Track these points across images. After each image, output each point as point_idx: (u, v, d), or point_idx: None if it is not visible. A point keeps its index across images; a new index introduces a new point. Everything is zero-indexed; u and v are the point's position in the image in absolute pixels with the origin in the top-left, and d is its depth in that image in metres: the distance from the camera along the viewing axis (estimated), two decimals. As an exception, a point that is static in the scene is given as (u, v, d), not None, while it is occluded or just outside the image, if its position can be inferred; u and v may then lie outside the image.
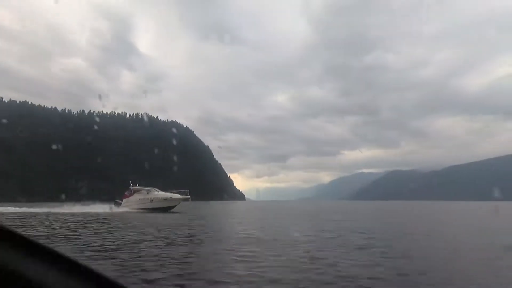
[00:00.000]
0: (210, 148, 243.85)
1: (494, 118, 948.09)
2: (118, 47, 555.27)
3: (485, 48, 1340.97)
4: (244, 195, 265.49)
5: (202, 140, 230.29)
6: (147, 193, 34.27)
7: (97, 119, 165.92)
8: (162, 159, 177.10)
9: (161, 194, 34.39)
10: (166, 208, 33.08)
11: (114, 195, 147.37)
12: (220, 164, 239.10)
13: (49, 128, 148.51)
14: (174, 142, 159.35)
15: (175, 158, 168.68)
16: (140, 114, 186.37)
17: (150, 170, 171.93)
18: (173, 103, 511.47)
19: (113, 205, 35.24)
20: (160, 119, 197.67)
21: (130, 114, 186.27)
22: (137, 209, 32.87)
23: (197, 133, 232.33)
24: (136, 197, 34.32)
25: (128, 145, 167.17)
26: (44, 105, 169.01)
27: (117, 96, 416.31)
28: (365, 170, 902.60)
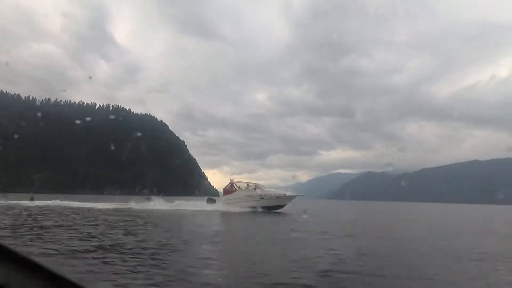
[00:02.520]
0: (186, 143, 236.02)
1: (460, 125, 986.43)
2: (94, 35, 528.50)
3: (453, 59, 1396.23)
4: (218, 192, 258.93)
5: (177, 135, 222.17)
6: (255, 188, 29.70)
7: (64, 108, 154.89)
8: (132, 152, 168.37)
9: (272, 190, 30.03)
10: (276, 207, 28.97)
11: (75, 189, 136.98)
12: (195, 160, 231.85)
13: (8, 115, 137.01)
14: (139, 134, 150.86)
15: (143, 151, 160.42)
16: (110, 105, 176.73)
17: (118, 163, 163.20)
18: (151, 96, 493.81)
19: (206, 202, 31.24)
20: (133, 111, 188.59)
21: (100, 105, 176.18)
22: (243, 207, 28.30)
23: (176, 128, 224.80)
24: (241, 193, 29.85)
25: (96, 137, 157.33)
26: (7, 92, 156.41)
27: (92, 85, 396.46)
28: (341, 171, 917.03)
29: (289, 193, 30.02)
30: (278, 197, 29.22)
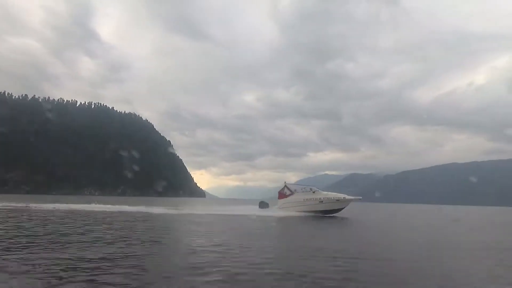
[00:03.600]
0: (173, 143, 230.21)
1: (440, 129, 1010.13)
2: (77, 32, 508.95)
3: (433, 66, 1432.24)
4: (204, 193, 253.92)
5: (163, 135, 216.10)
6: (313, 192, 28.16)
7: (43, 105, 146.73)
8: (113, 152, 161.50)
9: (331, 194, 28.52)
10: (335, 211, 27.59)
11: (52, 189, 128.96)
12: (181, 160, 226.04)
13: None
14: (121, 133, 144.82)
15: (125, 150, 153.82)
16: (92, 103, 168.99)
17: (98, 163, 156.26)
18: (138, 95, 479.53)
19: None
20: (116, 110, 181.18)
21: (81, 103, 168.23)
22: (301, 211, 27.02)
23: (163, 128, 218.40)
24: (299, 197, 28.35)
25: (76, 136, 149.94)
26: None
27: (75, 82, 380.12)
28: (329, 172, 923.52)
29: (348, 196, 28.34)
30: (338, 200, 27.62)
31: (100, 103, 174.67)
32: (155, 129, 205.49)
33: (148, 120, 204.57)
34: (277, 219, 21.47)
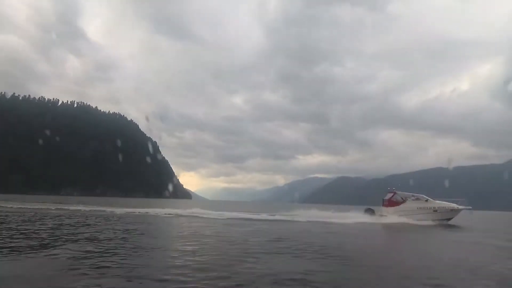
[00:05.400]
0: (159, 143, 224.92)
1: (425, 134, 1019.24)
2: (64, 30, 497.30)
3: (419, 71, 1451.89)
4: (190, 194, 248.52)
5: (148, 135, 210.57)
6: (426, 201, 27.94)
7: (21, 103, 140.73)
8: (95, 152, 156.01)
9: (443, 203, 28.05)
10: (446, 220, 27.24)
11: (27, 189, 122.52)
12: (166, 161, 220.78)
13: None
14: (103, 132, 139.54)
15: (107, 150, 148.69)
16: (75, 102, 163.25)
17: (78, 162, 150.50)
18: (126, 95, 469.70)
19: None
20: (100, 109, 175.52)
21: (63, 101, 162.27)
22: (413, 220, 26.12)
23: (150, 128, 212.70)
24: (412, 205, 27.85)
25: (55, 135, 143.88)
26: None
27: (60, 81, 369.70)
28: (318, 175, 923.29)
29: (461, 206, 27.95)
30: (452, 210, 27.40)
31: (83, 102, 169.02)
32: (140, 129, 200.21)
33: (133, 121, 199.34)
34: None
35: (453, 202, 28.15)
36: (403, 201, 28.26)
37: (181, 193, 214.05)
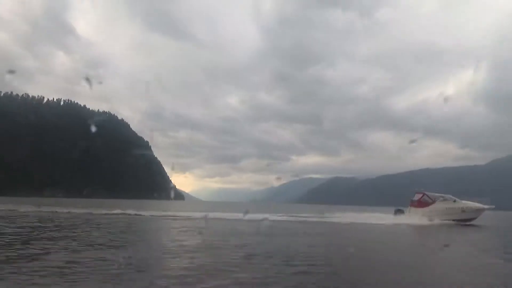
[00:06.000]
0: (151, 143, 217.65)
1: (415, 135, 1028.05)
2: (52, 25, 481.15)
3: (408, 75, 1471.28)
4: (183, 195, 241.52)
5: (140, 134, 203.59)
6: (454, 201, 28.66)
7: (2, 100, 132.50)
8: (82, 151, 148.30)
9: (470, 203, 28.64)
10: (472, 219, 27.93)
11: (8, 190, 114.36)
12: (159, 162, 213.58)
13: None
14: (93, 129, 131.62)
15: (95, 150, 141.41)
16: (62, 99, 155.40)
17: (64, 163, 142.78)
18: (117, 93, 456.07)
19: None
20: (89, 108, 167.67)
21: (49, 99, 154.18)
22: (442, 220, 26.83)
23: (143, 128, 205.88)
24: (441, 205, 28.52)
25: (40, 134, 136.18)
26: None
27: (47, 78, 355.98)
28: (312, 175, 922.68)
29: (486, 206, 28.62)
30: (478, 209, 28.12)
31: (71, 100, 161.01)
32: (131, 128, 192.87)
33: (124, 120, 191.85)
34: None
35: (477, 201, 28.49)
36: (432, 202, 28.51)
37: (174, 194, 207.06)
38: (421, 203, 29.03)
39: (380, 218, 26.54)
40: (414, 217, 27.36)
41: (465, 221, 27.25)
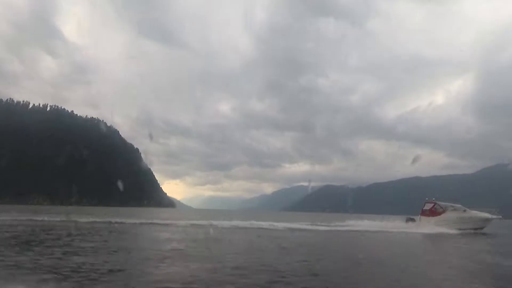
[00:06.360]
0: (141, 150, 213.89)
1: (404, 144, 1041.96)
2: (38, 28, 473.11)
3: (397, 85, 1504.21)
4: (174, 203, 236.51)
5: (130, 142, 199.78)
6: (464, 211, 28.66)
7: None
8: (69, 158, 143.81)
9: (479, 213, 28.65)
10: (480, 229, 27.95)
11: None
12: (149, 169, 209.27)
13: None
14: (79, 138, 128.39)
15: (83, 157, 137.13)
16: (48, 105, 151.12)
17: (50, 170, 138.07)
18: (106, 99, 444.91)
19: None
20: (76, 114, 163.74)
21: (34, 104, 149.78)
22: (451, 229, 26.75)
23: (134, 135, 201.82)
24: (452, 215, 28.64)
25: (24, 140, 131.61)
26: None
27: (34, 82, 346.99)
28: (304, 183, 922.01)
29: (492, 216, 29.06)
30: (486, 219, 28.61)
31: (57, 106, 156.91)
32: (120, 135, 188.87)
33: (113, 126, 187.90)
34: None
35: (486, 211, 29.21)
36: (443, 211, 29.08)
37: (165, 202, 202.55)
38: (433, 212, 29.59)
39: (394, 226, 27.16)
40: (425, 226, 27.70)
41: (474, 230, 27.56)
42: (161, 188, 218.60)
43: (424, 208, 30.26)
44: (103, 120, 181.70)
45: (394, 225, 28.13)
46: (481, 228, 28.24)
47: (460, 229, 27.03)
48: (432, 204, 30.13)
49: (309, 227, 25.71)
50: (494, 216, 28.89)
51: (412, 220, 30.34)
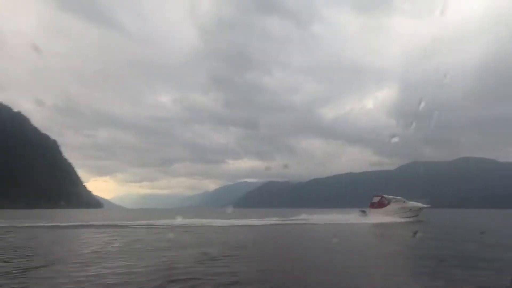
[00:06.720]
0: (60, 142, 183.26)
1: (340, 143, 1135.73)
2: None
3: (335, 88, 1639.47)
4: (102, 203, 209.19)
5: (44, 132, 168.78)
6: (403, 202, 33.59)
7: None
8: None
9: (415, 203, 33.88)
10: (415, 216, 32.95)
11: None
12: (70, 164, 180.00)
13: None
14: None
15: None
16: None
17: None
18: (14, 80, 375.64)
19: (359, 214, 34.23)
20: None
21: None
22: (395, 218, 31.61)
23: (51, 124, 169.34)
24: (395, 206, 33.45)
25: None
26: None
27: None
28: (248, 180, 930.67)
29: (425, 205, 33.95)
30: (420, 208, 33.26)
31: None
32: (31, 124, 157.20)
33: (22, 113, 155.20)
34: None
35: (420, 202, 34.07)
36: (388, 203, 33.32)
37: (90, 201, 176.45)
38: (380, 204, 33.65)
39: (349, 218, 30.27)
40: (375, 217, 31.55)
41: (412, 217, 32.19)
42: (84, 186, 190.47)
43: (372, 201, 34.35)
44: (8, 105, 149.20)
45: (350, 217, 31.23)
46: (416, 216, 32.67)
47: (402, 217, 31.45)
48: (379, 197, 34.19)
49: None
50: (425, 206, 34.05)
51: (364, 212, 33.70)
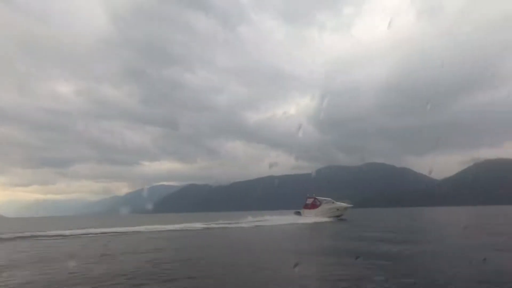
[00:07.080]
0: None
1: (262, 146, 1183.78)
2: None
3: (259, 92, 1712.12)
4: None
5: None
6: (333, 203, 38.84)
7: None
8: None
9: (341, 204, 39.39)
10: (342, 215, 38.87)
11: None
12: None
13: None
14: None
15: None
16: None
17: None
18: None
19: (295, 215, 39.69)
20: None
21: None
22: (326, 217, 36.75)
23: None
24: (326, 206, 38.56)
25: None
26: None
27: None
28: (165, 183, 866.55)
29: (349, 205, 40.54)
30: (346, 208, 39.50)
31: None
32: None
33: None
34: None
35: (344, 202, 40.81)
36: (320, 204, 39.72)
37: None
38: (313, 205, 40.07)
39: (284, 219, 35.09)
40: (308, 217, 37.36)
41: (338, 216, 38.50)
42: None
43: (306, 202, 40.94)
44: None
45: (287, 218, 36.39)
46: (342, 215, 39.08)
47: (331, 217, 37.58)
48: (313, 199, 40.46)
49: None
50: (349, 205, 40.87)
51: (299, 213, 40.24)
